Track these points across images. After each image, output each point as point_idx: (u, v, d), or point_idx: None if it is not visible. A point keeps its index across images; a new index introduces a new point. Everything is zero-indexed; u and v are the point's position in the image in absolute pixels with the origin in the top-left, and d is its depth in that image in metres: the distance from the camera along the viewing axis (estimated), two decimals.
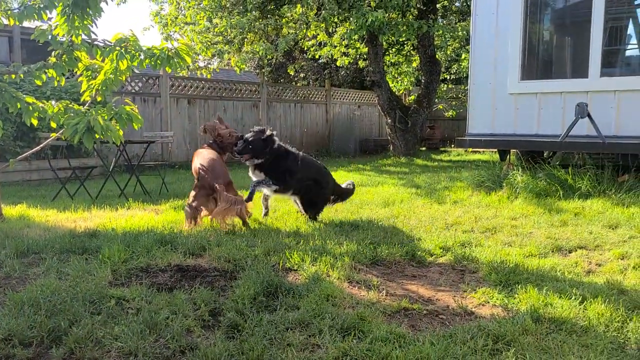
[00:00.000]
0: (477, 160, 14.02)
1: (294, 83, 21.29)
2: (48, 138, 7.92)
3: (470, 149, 16.13)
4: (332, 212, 6.35)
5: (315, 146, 17.42)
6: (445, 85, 21.01)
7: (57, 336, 2.84)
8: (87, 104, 6.56)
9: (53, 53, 6.09)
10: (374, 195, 7.88)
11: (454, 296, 3.52)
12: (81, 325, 2.90)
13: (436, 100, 18.31)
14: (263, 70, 18.60)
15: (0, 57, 11.10)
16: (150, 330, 2.86)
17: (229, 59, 16.17)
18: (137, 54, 6.14)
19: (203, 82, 14.14)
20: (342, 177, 10.41)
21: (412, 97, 19.13)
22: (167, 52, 5.93)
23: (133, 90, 12.35)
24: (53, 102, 5.97)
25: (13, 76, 6.53)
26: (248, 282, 3.52)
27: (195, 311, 3.13)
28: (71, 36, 5.84)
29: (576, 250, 4.63)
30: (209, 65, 17.99)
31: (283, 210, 6.40)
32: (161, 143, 10.94)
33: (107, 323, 2.97)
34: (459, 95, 20.75)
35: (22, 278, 3.82)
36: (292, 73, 20.37)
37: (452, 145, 18.19)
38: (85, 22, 5.60)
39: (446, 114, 20.77)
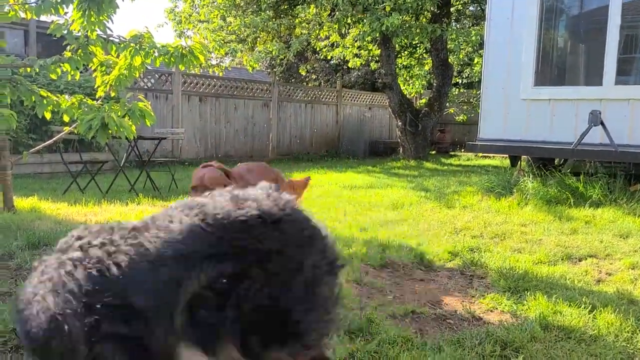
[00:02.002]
0: (487, 165, 13.97)
1: (305, 83, 21.34)
2: (61, 131, 7.99)
3: (481, 154, 16.09)
4: (340, 213, 6.36)
5: (324, 147, 17.43)
6: (457, 89, 20.97)
7: None
8: (100, 99, 6.62)
9: (68, 48, 6.13)
10: (382, 197, 7.88)
11: (462, 301, 3.51)
12: None
13: (447, 104, 18.29)
14: (275, 70, 18.65)
15: (16, 51, 11.20)
16: None
17: (241, 58, 16.23)
18: (151, 51, 6.18)
19: (215, 79, 14.19)
20: (350, 178, 10.41)
21: (424, 101, 19.12)
22: (181, 50, 5.96)
23: (145, 87, 12.42)
24: (67, 96, 6.02)
25: (29, 69, 6.60)
26: None
27: None
28: (87, 31, 5.88)
29: (586, 259, 4.60)
30: (221, 63, 18.07)
31: None
32: (172, 140, 11.01)
33: None
34: (471, 100, 20.70)
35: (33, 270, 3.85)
36: (303, 73, 20.40)
37: (462, 150, 18.14)
38: (101, 18, 5.64)
39: (457, 118, 20.72)
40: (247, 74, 19.70)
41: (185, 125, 12.56)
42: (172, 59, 6.13)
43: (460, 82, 20.76)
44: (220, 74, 14.92)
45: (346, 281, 3.73)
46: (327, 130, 17.69)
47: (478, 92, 19.07)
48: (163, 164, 9.86)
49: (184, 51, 5.98)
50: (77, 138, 8.66)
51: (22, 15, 6.12)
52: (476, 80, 18.92)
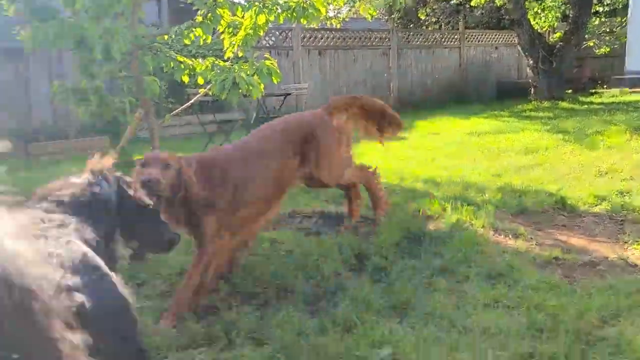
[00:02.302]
0: (637, 101, 12.54)
1: (425, 27, 20.51)
2: (196, 94, 8.54)
3: (629, 89, 14.44)
4: (469, 160, 6.15)
5: (448, 93, 16.78)
6: (597, 19, 18.84)
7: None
8: (229, 60, 6.94)
9: (199, 12, 6.46)
10: (513, 142, 7.46)
11: (613, 247, 3.27)
12: (240, 264, 3.18)
13: (586, 36, 16.54)
14: (392, 17, 18.13)
15: (150, 20, 12.03)
16: (302, 271, 3.05)
17: (359, 8, 15.96)
18: (274, 8, 6.30)
19: (333, 32, 14.16)
20: (477, 124, 9.95)
21: (558, 35, 17.46)
22: (302, 4, 6.02)
23: (267, 45, 12.75)
24: (200, 59, 6.38)
25: (166, 37, 7.08)
26: (391, 228, 3.57)
27: (342, 255, 3.26)
28: None
29: None
30: (339, 15, 17.93)
31: (419, 159, 6.33)
32: (295, 95, 11.27)
33: (264, 263, 3.21)
34: (614, 29, 18.52)
35: None
36: (423, 17, 19.60)
37: (605, 86, 16.43)
38: None
39: (597, 51, 18.71)
40: (364, 24, 19.38)
41: (306, 80, 12.78)
42: (294, 13, 6.21)
43: (601, 10, 18.61)
44: (338, 26, 14.83)
45: (482, 227, 3.64)
46: (450, 75, 16.96)
47: (623, 20, 17.01)
48: None
49: (305, 5, 6.04)
50: (210, 99, 9.21)
51: None
52: (620, 6, 16.86)
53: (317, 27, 13.30)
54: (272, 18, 6.40)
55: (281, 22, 6.81)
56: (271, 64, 6.01)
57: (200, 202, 2.62)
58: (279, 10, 6.30)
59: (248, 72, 5.74)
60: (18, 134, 9.49)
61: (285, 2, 6.15)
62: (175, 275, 3.14)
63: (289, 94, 8.80)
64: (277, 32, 12.96)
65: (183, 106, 7.55)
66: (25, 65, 10.01)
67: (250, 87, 5.60)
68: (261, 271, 3.08)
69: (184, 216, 2.64)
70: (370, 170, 3.72)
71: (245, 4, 6.33)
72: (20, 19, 11.49)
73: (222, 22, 6.50)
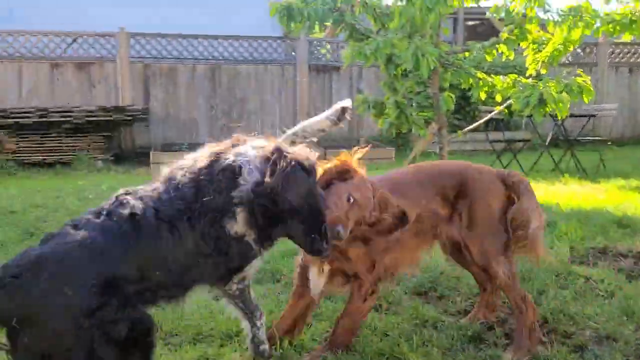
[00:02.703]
0: None
1: None
2: (489, 112, 8.37)
3: None
4: None
5: None
6: None
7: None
8: (530, 77, 6.59)
9: (504, 29, 6.30)
10: None
11: None
12: (550, 297, 2.92)
13: None
14: None
15: (446, 38, 12.34)
16: (628, 318, 2.64)
17: None
18: (592, 21, 5.75)
19: None
20: None
21: None
22: (630, 16, 5.35)
23: (566, 61, 11.79)
24: (501, 77, 6.20)
25: (467, 54, 7.11)
26: None
27: None
28: (525, 9, 5.90)
29: None
30: None
31: None
32: (600, 117, 10.12)
33: (577, 300, 2.90)
34: None
35: None
36: None
37: None
38: None
39: None
40: None
41: (610, 100, 11.37)
42: (617, 27, 5.57)
43: None
44: None
45: None
46: None
47: None
48: (588, 143, 9.17)
49: (633, 17, 5.34)
50: (500, 117, 8.91)
51: (464, 4, 6.56)
52: None
53: (629, 41, 11.75)
54: (588, 32, 5.86)
55: (599, 36, 6.18)
56: (583, 81, 5.49)
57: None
58: (598, 24, 5.72)
59: (556, 89, 5.35)
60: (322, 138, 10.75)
61: (607, 15, 5.55)
62: (473, 296, 3.06)
63: (593, 116, 7.94)
64: (577, 48, 11.86)
65: (478, 122, 7.48)
66: (329, 80, 11.27)
67: (559, 105, 5.21)
68: (575, 310, 2.77)
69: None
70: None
71: (558, 18, 5.91)
72: (331, 40, 12.80)
73: (528, 37, 6.23)
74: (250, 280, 2.31)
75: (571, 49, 6.36)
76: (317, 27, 6.97)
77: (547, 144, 7.90)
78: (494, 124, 10.25)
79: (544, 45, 6.42)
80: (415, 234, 2.46)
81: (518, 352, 2.36)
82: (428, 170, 2.68)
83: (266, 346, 2.35)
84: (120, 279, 1.87)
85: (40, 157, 8.71)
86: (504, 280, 2.45)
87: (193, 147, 9.43)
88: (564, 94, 5.30)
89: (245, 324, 2.33)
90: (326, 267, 2.34)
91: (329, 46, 11.75)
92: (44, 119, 8.59)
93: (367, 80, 11.39)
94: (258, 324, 2.32)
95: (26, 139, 8.75)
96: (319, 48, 11.47)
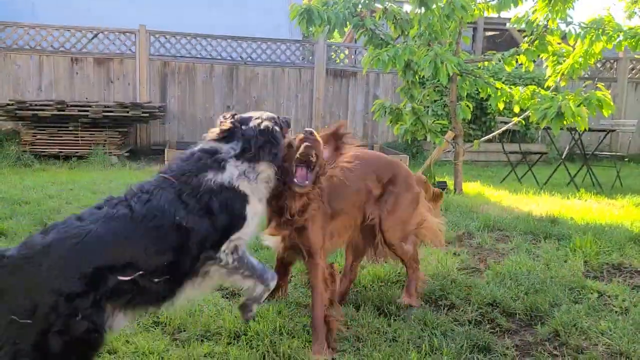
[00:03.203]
0: None
1: None
2: (506, 122, 8.32)
3: None
4: None
5: None
6: None
7: (538, 315, 2.91)
8: (550, 89, 6.54)
9: (525, 39, 6.27)
10: None
11: None
12: (562, 310, 2.88)
13: None
14: None
15: (465, 46, 12.30)
16: None
17: None
18: (615, 35, 5.71)
19: None
20: None
21: None
22: None
23: (585, 75, 11.69)
24: (521, 88, 6.17)
25: (487, 63, 7.09)
26: None
27: None
28: (546, 21, 5.87)
29: None
30: None
31: None
32: (618, 133, 10.00)
33: (590, 315, 2.85)
34: None
35: (493, 251, 4.10)
36: None
37: None
38: (566, 6, 5.51)
39: None
40: None
41: (629, 117, 11.25)
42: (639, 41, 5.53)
43: None
44: None
45: None
46: None
47: None
48: (605, 158, 9.08)
49: None
50: (515, 129, 8.86)
51: (485, 13, 6.54)
52: None
53: None
54: (609, 46, 5.82)
55: (621, 50, 6.14)
56: (602, 95, 5.45)
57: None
58: (620, 38, 5.68)
59: (575, 102, 5.31)
60: None
61: (630, 29, 5.51)
62: (484, 306, 3.02)
63: (613, 131, 7.86)
64: (597, 63, 11.76)
65: (495, 132, 7.46)
66: (346, 85, 11.27)
67: (577, 118, 5.16)
68: (588, 324, 2.73)
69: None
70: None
71: (580, 30, 5.88)
72: (349, 45, 12.91)
73: (548, 49, 6.19)
74: (244, 248, 2.27)
75: (592, 62, 6.33)
76: (336, 33, 7.01)
77: (563, 157, 7.80)
78: (509, 136, 10.17)
79: (564, 58, 6.39)
80: (353, 204, 2.86)
81: (411, 298, 3.02)
82: (371, 155, 3.17)
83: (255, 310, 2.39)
84: (109, 269, 1.88)
85: (57, 150, 8.79)
86: (411, 255, 3.05)
87: None
88: (582, 107, 5.27)
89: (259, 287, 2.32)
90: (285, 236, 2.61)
91: (347, 51, 11.77)
92: (62, 113, 8.67)
93: (383, 86, 11.38)
94: (271, 285, 2.34)
95: (43, 132, 8.84)
96: (337, 52, 11.48)
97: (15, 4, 11.03)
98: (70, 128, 8.89)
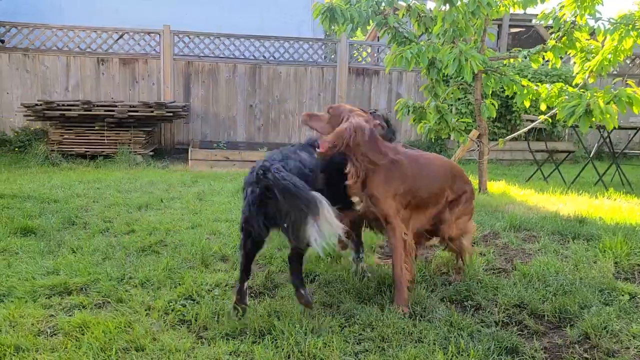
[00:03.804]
0: None
1: None
2: (531, 120, 8.18)
3: None
4: None
5: None
6: None
7: (567, 317, 2.85)
8: (578, 86, 6.41)
9: (552, 36, 6.15)
10: None
11: None
12: (592, 313, 2.82)
13: None
14: None
15: (490, 43, 12.13)
16: None
17: None
18: None
19: None
20: None
21: None
22: None
23: (614, 72, 11.44)
24: (547, 85, 6.05)
25: (512, 60, 6.98)
26: None
27: None
28: (574, 17, 5.76)
29: None
30: None
31: None
32: None
33: (622, 318, 2.78)
34: None
35: (519, 251, 4.03)
36: None
37: None
38: (595, 2, 5.39)
39: None
40: None
41: None
42: None
43: None
44: None
45: None
46: None
47: None
48: (634, 156, 8.88)
49: None
50: (541, 127, 8.71)
51: (511, 10, 6.44)
52: None
53: None
54: None
55: None
56: (632, 91, 5.30)
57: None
58: None
59: (604, 100, 5.19)
60: None
61: None
62: (511, 307, 2.97)
63: None
64: (626, 59, 11.50)
65: (521, 130, 7.35)
66: (369, 83, 11.23)
67: (607, 116, 5.04)
68: (619, 327, 2.67)
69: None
70: None
71: (609, 26, 5.74)
72: (371, 43, 12.90)
73: (576, 45, 6.07)
74: None
75: (622, 58, 6.17)
76: (358, 31, 6.98)
77: (591, 155, 7.64)
78: (535, 134, 10.02)
79: (592, 54, 6.25)
80: (432, 200, 3.28)
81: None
82: (453, 165, 3.57)
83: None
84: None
85: (84, 149, 8.94)
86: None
87: (230, 145, 9.59)
88: (612, 104, 5.14)
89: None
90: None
91: (369, 49, 11.72)
92: (89, 112, 8.82)
93: (406, 84, 11.31)
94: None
95: (71, 131, 9.00)
96: (359, 51, 11.44)
97: (44, 6, 11.24)
98: (97, 128, 9.04)
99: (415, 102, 6.64)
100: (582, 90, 5.87)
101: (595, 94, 5.33)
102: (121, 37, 10.32)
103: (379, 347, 2.54)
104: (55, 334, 2.62)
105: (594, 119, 5.16)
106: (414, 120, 6.63)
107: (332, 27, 6.21)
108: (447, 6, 5.64)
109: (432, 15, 6.19)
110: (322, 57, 11.27)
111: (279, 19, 12.21)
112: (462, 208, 3.34)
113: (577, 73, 6.40)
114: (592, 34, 6.05)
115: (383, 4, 6.18)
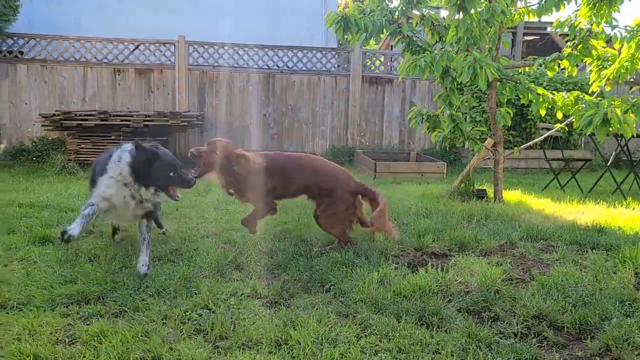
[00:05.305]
0: None
1: None
2: (547, 129, 8.12)
3: None
4: None
5: None
6: None
7: (588, 328, 2.81)
8: (594, 95, 6.36)
9: (568, 44, 6.11)
10: None
11: None
12: (613, 324, 2.77)
13: None
14: None
15: (505, 52, 12.09)
16: None
17: None
18: None
19: None
20: None
21: None
22: None
23: (631, 79, 11.32)
24: (563, 93, 6.01)
25: (527, 69, 6.94)
26: None
27: None
28: (591, 24, 5.72)
29: None
30: None
31: None
32: None
33: None
34: None
35: (537, 261, 3.99)
36: None
37: None
38: (612, 9, 5.35)
39: None
40: None
41: None
42: None
43: None
44: None
45: None
46: None
47: None
48: None
49: None
50: (557, 135, 8.63)
51: (525, 18, 6.42)
52: None
53: None
54: None
55: None
56: None
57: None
58: None
59: (621, 108, 5.13)
60: (372, 149, 10.72)
61: None
62: (530, 318, 2.94)
63: None
64: None
65: (537, 139, 7.28)
66: (382, 92, 11.22)
67: (624, 125, 4.99)
68: None
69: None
70: None
71: (626, 34, 5.70)
72: (384, 52, 12.86)
73: (592, 53, 6.02)
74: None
75: (639, 66, 6.11)
76: (372, 41, 6.99)
77: (608, 164, 7.55)
78: (550, 142, 9.93)
79: (609, 62, 6.19)
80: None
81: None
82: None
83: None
84: None
85: None
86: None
87: None
88: (629, 113, 5.08)
89: None
90: None
91: (382, 58, 11.73)
92: (105, 122, 8.92)
93: (420, 93, 11.29)
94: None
95: (87, 141, 9.10)
96: (372, 60, 11.45)
97: (61, 18, 11.43)
98: (113, 137, 9.12)
99: (429, 111, 6.63)
100: (598, 98, 5.82)
101: (612, 103, 5.27)
102: (137, 47, 10.44)
103: (395, 358, 2.52)
104: (73, 343, 2.63)
105: (611, 128, 5.11)
106: (427, 129, 6.61)
107: (346, 37, 6.23)
108: (461, 14, 5.64)
109: (445, 24, 6.19)
110: (336, 66, 11.31)
111: (292, 29, 12.28)
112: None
113: (593, 81, 6.34)
114: (609, 41, 6.00)
115: (397, 13, 6.20)
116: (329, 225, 4.26)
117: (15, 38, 10.01)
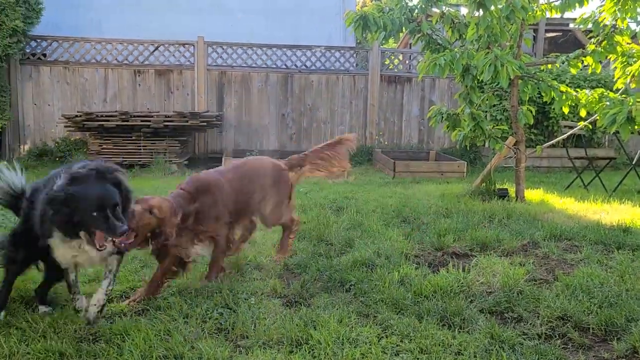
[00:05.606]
0: None
1: None
2: (570, 127, 7.99)
3: None
4: None
5: None
6: None
7: (614, 330, 2.75)
8: (619, 92, 6.23)
9: (591, 40, 6.01)
10: None
11: None
12: None
13: None
14: None
15: (527, 49, 11.90)
16: None
17: None
18: None
19: None
20: None
21: None
22: None
23: None
24: (587, 90, 5.90)
25: (550, 66, 6.84)
26: None
27: None
28: (615, 20, 5.61)
29: None
30: None
31: None
32: None
33: None
34: None
35: (561, 261, 3.92)
36: None
37: None
38: (636, 5, 5.24)
39: None
40: None
41: None
42: None
43: None
44: None
45: None
46: None
47: None
48: None
49: None
50: (580, 133, 8.47)
51: (547, 14, 6.32)
52: None
53: None
54: None
55: None
56: None
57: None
58: None
59: None
60: (391, 148, 10.67)
61: None
62: (554, 319, 2.89)
63: None
64: None
65: (560, 137, 7.17)
66: (401, 90, 11.16)
67: None
68: None
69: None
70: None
71: None
72: (403, 50, 12.76)
73: (617, 50, 5.90)
74: None
75: None
76: (391, 40, 6.93)
77: (634, 163, 7.40)
78: (573, 140, 9.76)
79: (634, 59, 6.07)
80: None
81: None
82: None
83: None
84: None
85: (121, 159, 9.13)
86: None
87: (262, 153, 9.62)
88: None
89: None
90: None
91: (401, 56, 11.66)
92: (126, 123, 9.02)
93: (439, 91, 11.20)
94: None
95: (109, 141, 9.22)
96: (391, 59, 11.39)
97: (83, 21, 11.57)
98: (133, 137, 9.23)
99: (449, 109, 6.57)
100: (623, 95, 5.70)
101: (637, 100, 5.16)
102: (157, 49, 10.54)
103: (417, 359, 2.50)
104: (97, 341, 2.66)
105: (636, 126, 5.00)
106: (447, 127, 6.56)
107: (365, 35, 6.20)
108: (481, 11, 5.57)
109: (465, 21, 6.12)
110: (354, 65, 11.27)
111: (310, 28, 12.27)
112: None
113: (618, 78, 6.22)
114: (634, 37, 5.88)
115: (416, 11, 6.15)
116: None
117: (38, 40, 10.17)
